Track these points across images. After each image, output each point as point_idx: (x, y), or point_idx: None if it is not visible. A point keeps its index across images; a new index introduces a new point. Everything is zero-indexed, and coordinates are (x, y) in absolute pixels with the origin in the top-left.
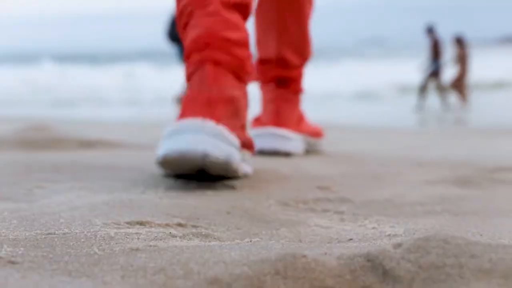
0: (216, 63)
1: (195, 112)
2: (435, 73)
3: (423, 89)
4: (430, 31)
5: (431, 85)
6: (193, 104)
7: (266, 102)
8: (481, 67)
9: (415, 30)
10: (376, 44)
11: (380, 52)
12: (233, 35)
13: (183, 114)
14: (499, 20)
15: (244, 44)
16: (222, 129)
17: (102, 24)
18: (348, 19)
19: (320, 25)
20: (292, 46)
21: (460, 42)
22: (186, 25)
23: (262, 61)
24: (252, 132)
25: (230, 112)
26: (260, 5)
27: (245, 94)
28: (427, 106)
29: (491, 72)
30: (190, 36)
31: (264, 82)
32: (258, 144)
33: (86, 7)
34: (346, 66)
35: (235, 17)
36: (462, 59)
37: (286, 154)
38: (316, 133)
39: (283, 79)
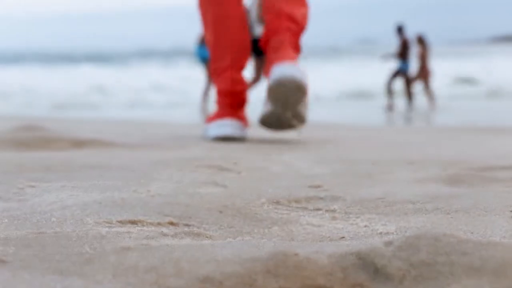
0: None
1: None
2: (401, 73)
3: (389, 89)
4: (400, 31)
5: (413, 86)
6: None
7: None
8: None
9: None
10: (368, 44)
11: (373, 51)
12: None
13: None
14: (493, 20)
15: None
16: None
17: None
18: (341, 18)
19: (315, 25)
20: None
21: (421, 41)
22: None
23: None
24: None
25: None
26: None
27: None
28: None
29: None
30: None
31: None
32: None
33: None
34: (339, 65)
35: None
36: (422, 58)
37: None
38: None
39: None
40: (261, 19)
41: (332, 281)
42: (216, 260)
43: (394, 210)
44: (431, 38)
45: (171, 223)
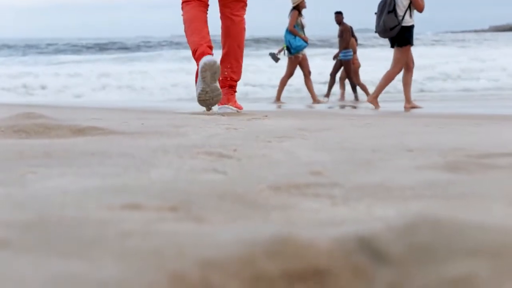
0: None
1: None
2: (342, 62)
3: (332, 78)
4: (341, 18)
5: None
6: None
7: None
8: None
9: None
10: (368, 32)
11: (373, 41)
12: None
13: None
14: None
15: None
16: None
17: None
18: (337, 7)
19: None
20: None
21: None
22: None
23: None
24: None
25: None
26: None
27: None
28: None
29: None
30: None
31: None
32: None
33: None
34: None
35: None
36: (353, 50)
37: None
38: (239, 107)
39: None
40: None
41: (333, 264)
42: (217, 243)
43: (393, 196)
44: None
45: (172, 208)
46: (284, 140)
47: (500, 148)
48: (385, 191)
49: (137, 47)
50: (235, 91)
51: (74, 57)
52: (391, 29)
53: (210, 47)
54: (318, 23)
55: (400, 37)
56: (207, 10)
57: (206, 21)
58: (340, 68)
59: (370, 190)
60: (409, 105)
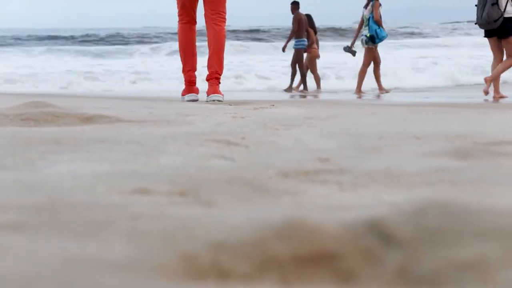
0: None
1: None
2: (298, 52)
3: (293, 68)
4: (294, 8)
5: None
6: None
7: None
8: None
9: (409, 13)
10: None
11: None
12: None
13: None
14: None
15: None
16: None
17: None
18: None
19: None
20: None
21: (309, 20)
22: None
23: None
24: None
25: None
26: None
27: None
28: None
29: None
30: None
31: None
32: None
33: None
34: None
35: None
36: (311, 38)
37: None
38: (222, 94)
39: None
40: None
41: (342, 247)
42: (228, 227)
43: (401, 182)
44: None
45: (181, 193)
46: (292, 128)
47: (508, 136)
48: (393, 177)
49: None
50: (219, 82)
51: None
52: (495, 21)
53: (194, 76)
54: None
55: (504, 28)
56: (196, 25)
57: (194, 42)
58: (297, 57)
59: (377, 176)
60: (498, 95)
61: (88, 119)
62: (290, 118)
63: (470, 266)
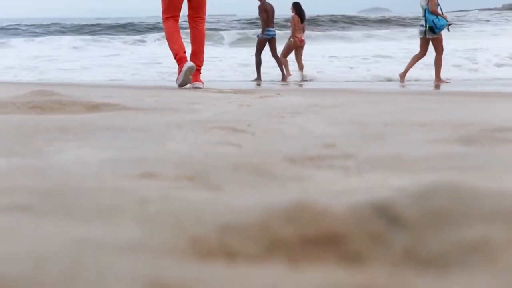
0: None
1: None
2: (265, 41)
3: (257, 57)
4: None
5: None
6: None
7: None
8: None
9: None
10: (378, 13)
11: (382, 21)
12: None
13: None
14: None
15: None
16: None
17: None
18: None
19: None
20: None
21: (295, 8)
22: None
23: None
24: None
25: None
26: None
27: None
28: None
29: None
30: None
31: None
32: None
33: None
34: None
35: None
36: (295, 25)
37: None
38: (202, 82)
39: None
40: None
41: (349, 229)
42: (235, 209)
43: (407, 167)
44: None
45: (189, 178)
46: (297, 115)
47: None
48: (399, 163)
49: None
50: (200, 73)
51: None
52: None
53: (185, 52)
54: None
55: None
56: (178, 22)
57: (179, 31)
58: (273, 46)
59: (383, 162)
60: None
61: (94, 107)
62: (296, 106)
63: (476, 247)
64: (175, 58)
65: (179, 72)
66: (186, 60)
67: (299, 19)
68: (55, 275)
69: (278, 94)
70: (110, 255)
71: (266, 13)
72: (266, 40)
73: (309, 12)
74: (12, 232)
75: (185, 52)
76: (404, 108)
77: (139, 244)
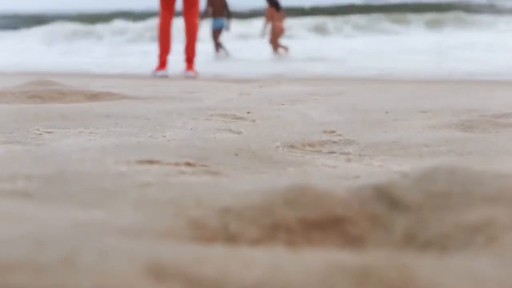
0: None
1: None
2: (218, 31)
3: (216, 45)
4: None
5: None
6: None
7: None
8: None
9: None
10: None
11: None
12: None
13: None
14: None
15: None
16: None
17: None
18: None
19: None
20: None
21: (268, 1)
22: None
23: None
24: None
25: None
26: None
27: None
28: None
29: None
30: None
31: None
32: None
33: None
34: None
35: None
36: (271, 16)
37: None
38: (195, 71)
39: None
40: None
41: (350, 211)
42: (235, 193)
43: (408, 152)
44: None
45: (189, 164)
46: (297, 103)
47: None
48: (400, 148)
49: None
50: (193, 62)
51: None
52: None
53: (168, 53)
54: None
55: None
56: (173, 17)
57: (170, 32)
58: (219, 33)
59: (384, 148)
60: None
61: (94, 96)
62: (296, 94)
63: (477, 229)
64: (158, 57)
65: (156, 70)
66: (164, 67)
67: (274, 10)
68: (56, 257)
69: (279, 82)
70: (110, 238)
71: (208, 3)
72: (218, 30)
73: None
74: (14, 216)
75: (168, 53)
76: (405, 96)
77: (139, 228)
